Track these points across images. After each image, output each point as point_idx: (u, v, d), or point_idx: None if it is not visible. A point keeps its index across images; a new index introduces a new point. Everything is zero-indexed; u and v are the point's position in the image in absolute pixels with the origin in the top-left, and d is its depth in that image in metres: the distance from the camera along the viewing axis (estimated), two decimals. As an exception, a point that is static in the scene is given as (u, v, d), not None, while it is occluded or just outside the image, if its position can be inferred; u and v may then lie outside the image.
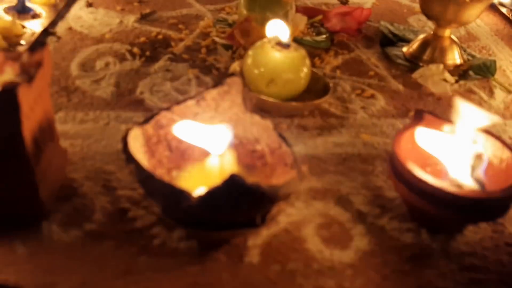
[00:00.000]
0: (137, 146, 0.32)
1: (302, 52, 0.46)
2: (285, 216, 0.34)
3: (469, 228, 0.34)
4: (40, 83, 0.31)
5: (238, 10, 0.59)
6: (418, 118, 0.36)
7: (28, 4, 0.57)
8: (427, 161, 0.36)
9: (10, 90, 0.28)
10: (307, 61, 0.46)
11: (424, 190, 0.31)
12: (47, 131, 0.34)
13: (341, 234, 0.33)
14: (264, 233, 0.32)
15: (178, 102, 0.36)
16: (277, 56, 0.45)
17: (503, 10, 0.70)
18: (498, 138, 0.35)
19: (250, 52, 0.47)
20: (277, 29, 0.44)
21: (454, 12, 0.52)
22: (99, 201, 0.34)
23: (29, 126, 0.30)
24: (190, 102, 0.37)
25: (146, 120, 0.34)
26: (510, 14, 0.69)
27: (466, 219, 0.33)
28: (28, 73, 0.30)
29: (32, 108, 0.30)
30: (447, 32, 0.55)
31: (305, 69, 0.46)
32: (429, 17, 0.55)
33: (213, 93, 0.37)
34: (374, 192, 0.37)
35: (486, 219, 0.33)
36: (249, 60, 0.46)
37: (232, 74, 0.38)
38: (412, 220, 0.35)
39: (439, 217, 0.32)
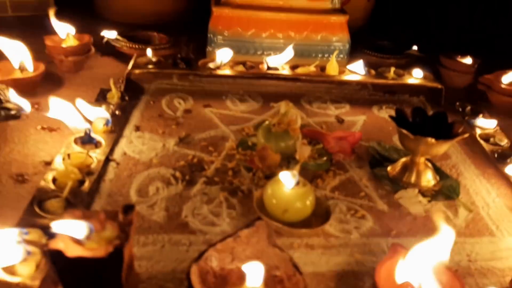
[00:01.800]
0: (195, 279, 0.46)
1: (308, 186, 0.61)
2: (299, 327, 0.47)
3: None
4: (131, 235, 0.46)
5: (257, 139, 0.74)
6: (393, 251, 0.51)
7: (92, 134, 0.72)
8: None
9: (119, 250, 0.42)
10: (312, 193, 0.61)
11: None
12: (129, 264, 0.48)
13: None
14: None
15: (221, 239, 0.51)
16: (289, 191, 0.59)
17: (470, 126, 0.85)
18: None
19: (269, 185, 0.61)
20: (288, 178, 0.59)
21: (425, 149, 0.67)
22: (165, 315, 0.48)
23: (124, 267, 0.44)
24: (229, 239, 0.51)
25: (199, 256, 0.48)
26: (478, 134, 0.84)
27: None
28: (125, 231, 0.45)
29: (126, 254, 0.45)
30: (422, 159, 0.71)
31: (311, 198, 0.60)
32: (406, 149, 0.70)
33: (245, 232, 0.51)
34: (364, 306, 0.51)
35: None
36: (269, 191, 0.61)
37: (259, 218, 0.53)
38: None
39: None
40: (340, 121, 0.87)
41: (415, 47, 1.09)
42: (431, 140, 0.65)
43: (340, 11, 0.98)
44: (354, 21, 1.25)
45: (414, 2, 1.28)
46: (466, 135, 0.67)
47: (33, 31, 0.98)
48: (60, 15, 1.22)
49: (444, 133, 0.68)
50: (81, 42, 0.94)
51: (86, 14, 1.29)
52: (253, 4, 0.96)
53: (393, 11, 1.29)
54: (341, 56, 1.00)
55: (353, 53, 1.04)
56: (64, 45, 0.93)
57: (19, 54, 0.85)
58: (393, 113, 0.71)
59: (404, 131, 0.66)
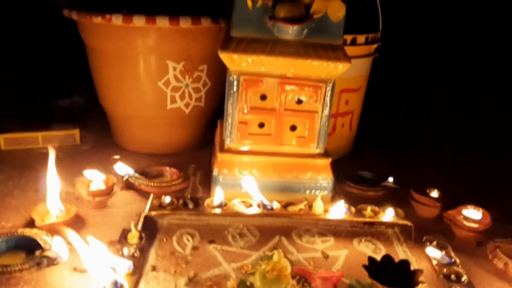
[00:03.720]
0: None
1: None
2: None
3: None
4: None
5: (254, 281, 0.89)
6: None
7: (118, 280, 0.87)
8: None
9: None
10: None
11: None
12: None
13: None
14: None
15: None
16: None
17: (434, 261, 1.00)
18: None
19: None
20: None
21: None
22: None
23: None
24: None
25: None
26: (438, 265, 0.98)
27: None
28: None
29: None
30: (390, 299, 0.85)
31: None
32: (378, 294, 0.85)
33: None
34: None
35: None
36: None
37: None
38: None
39: None
40: (326, 256, 1.02)
41: (390, 179, 1.27)
42: (395, 290, 0.80)
43: (324, 155, 1.17)
44: (340, 148, 1.46)
45: (392, 133, 1.49)
46: (424, 285, 0.82)
47: (60, 161, 1.15)
48: (82, 143, 1.41)
49: (408, 279, 0.83)
50: (107, 185, 1.11)
51: (106, 143, 1.49)
52: (251, 151, 1.15)
53: (371, 140, 1.49)
54: (326, 192, 1.17)
55: (338, 181, 1.22)
56: (92, 188, 1.10)
57: (57, 199, 1.02)
58: (370, 248, 0.86)
59: (374, 282, 0.81)
